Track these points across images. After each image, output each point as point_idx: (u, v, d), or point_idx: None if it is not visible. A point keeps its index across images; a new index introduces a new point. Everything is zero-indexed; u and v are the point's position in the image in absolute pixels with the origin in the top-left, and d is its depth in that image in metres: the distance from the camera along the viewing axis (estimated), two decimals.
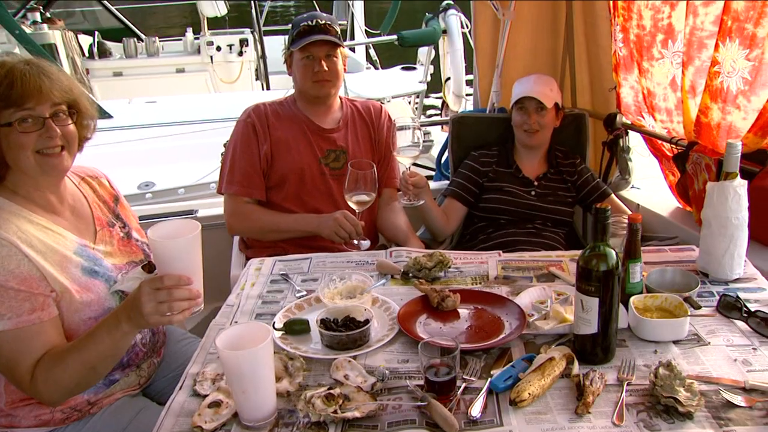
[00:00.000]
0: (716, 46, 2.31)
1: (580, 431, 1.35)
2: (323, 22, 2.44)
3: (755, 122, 2.23)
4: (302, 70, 2.50)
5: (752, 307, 1.73)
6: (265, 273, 2.12)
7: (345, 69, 2.59)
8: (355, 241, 2.30)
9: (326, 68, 2.46)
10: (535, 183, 2.80)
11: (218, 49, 8.71)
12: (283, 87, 7.49)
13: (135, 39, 8.83)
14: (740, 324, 1.70)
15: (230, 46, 8.76)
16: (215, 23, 9.27)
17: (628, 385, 1.48)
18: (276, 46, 9.41)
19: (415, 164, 4.68)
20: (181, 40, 9.09)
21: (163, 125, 5.48)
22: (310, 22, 2.44)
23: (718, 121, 2.41)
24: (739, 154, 1.90)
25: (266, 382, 1.39)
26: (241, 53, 8.74)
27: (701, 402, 1.39)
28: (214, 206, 3.26)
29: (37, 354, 1.55)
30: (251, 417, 1.39)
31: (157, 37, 8.96)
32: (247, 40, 8.75)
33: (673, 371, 1.45)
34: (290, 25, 2.57)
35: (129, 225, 1.90)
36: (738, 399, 1.41)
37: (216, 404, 1.45)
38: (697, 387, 1.42)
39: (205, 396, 1.48)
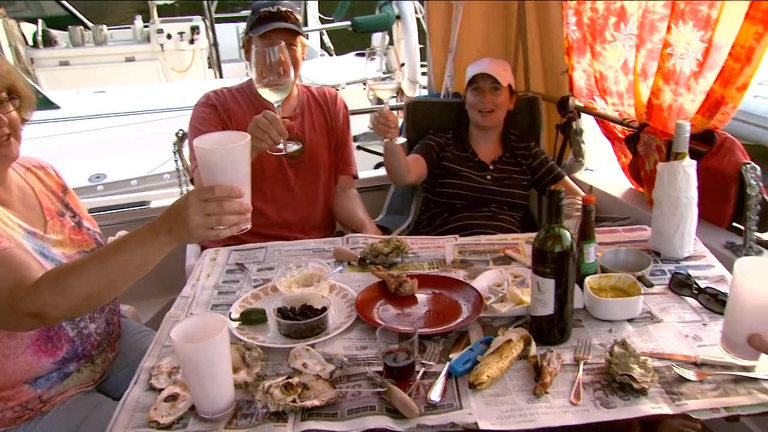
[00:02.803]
0: (668, 29, 2.34)
1: (539, 411, 1.36)
2: (284, 9, 2.39)
3: (703, 103, 2.27)
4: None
5: (702, 284, 1.76)
6: (220, 263, 2.09)
7: (303, 57, 2.55)
8: (280, 144, 2.01)
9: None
10: (491, 167, 2.82)
11: (169, 37, 8.55)
12: (236, 75, 7.40)
13: (81, 27, 8.60)
14: (691, 301, 1.74)
15: (181, 33, 8.61)
16: (165, 11, 9.09)
17: (584, 364, 1.50)
18: (228, 33, 9.30)
19: (366, 149, 4.65)
20: (129, 28, 8.90)
21: (114, 116, 5.36)
22: (270, 9, 2.38)
23: (670, 103, 2.44)
24: (688, 135, 1.93)
25: (223, 373, 1.37)
26: (192, 41, 8.60)
27: (655, 378, 1.42)
28: (169, 197, 3.20)
29: (32, 269, 1.46)
30: (209, 409, 1.37)
31: (104, 26, 8.74)
32: (198, 28, 8.61)
33: (628, 349, 1.48)
34: (249, 11, 2.51)
35: (80, 214, 1.85)
36: (689, 374, 1.44)
37: (172, 398, 1.43)
38: (650, 363, 1.45)
39: (161, 390, 1.46)
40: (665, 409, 1.36)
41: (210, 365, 1.33)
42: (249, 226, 1.39)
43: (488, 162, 2.82)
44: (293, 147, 2.09)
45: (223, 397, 1.38)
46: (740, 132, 3.64)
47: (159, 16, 8.75)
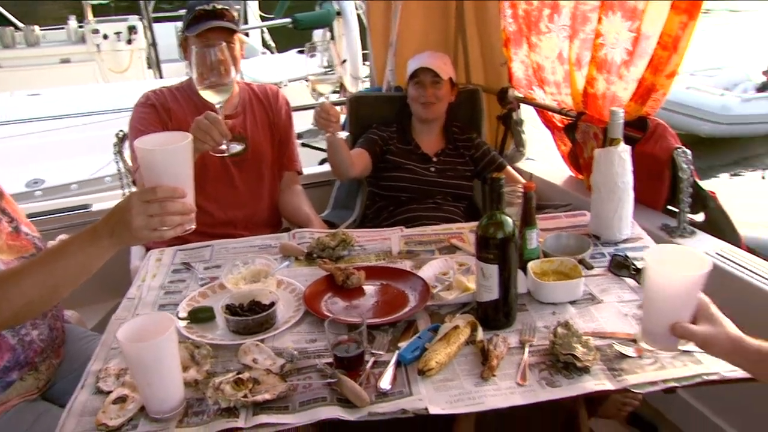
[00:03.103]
0: (599, 19, 2.42)
1: (487, 394, 1.40)
2: (220, 6, 2.37)
3: (635, 91, 2.35)
4: None
5: (639, 264, 1.83)
6: (166, 263, 2.07)
7: (242, 55, 2.54)
8: (223, 146, 2.00)
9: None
10: (434, 159, 2.84)
11: (105, 37, 8.36)
12: (176, 75, 7.27)
13: (12, 28, 8.33)
14: (629, 281, 1.80)
15: (118, 33, 8.43)
16: (100, 11, 8.88)
17: (529, 346, 1.54)
18: (167, 33, 9.13)
19: (310, 146, 4.63)
20: (63, 28, 8.66)
21: (50, 119, 5.22)
22: (206, 7, 2.35)
23: (603, 91, 2.52)
24: (622, 121, 2.00)
25: (172, 372, 1.36)
26: (130, 41, 8.42)
27: (597, 356, 1.47)
28: (111, 200, 3.14)
29: None
30: (159, 409, 1.36)
31: (36, 26, 8.49)
32: (135, 27, 8.43)
33: (571, 330, 1.53)
34: (185, 10, 2.47)
35: (17, 219, 1.81)
36: (629, 350, 1.49)
37: (121, 400, 1.41)
38: (592, 343, 1.50)
39: (110, 392, 1.43)
40: (607, 385, 1.41)
41: (158, 364, 1.33)
42: (194, 227, 1.39)
43: (431, 154, 2.85)
44: (237, 148, 2.07)
45: (173, 396, 1.37)
46: (674, 122, 3.77)
47: (94, 15, 8.53)
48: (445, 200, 2.80)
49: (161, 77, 7.90)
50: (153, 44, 7.98)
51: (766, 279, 2.02)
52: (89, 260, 1.38)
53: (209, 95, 1.92)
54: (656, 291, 1.33)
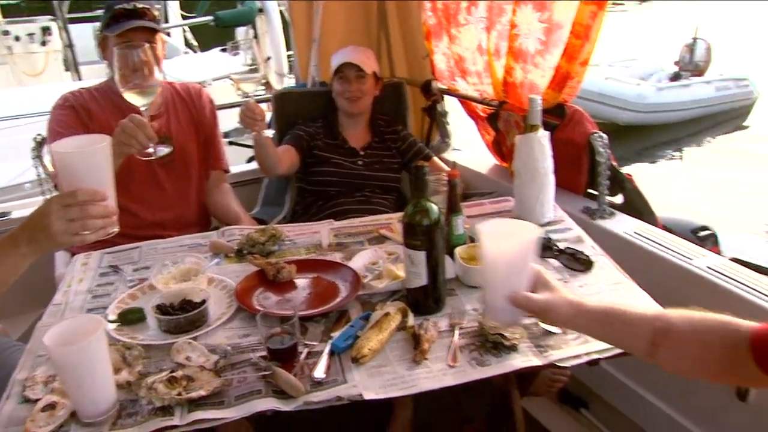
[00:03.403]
0: (513, 11, 2.49)
1: (419, 376, 1.43)
2: (140, 5, 2.32)
3: (552, 79, 2.43)
4: None
5: (562, 245, 1.90)
6: (92, 267, 2.02)
7: (164, 54, 2.49)
8: (150, 149, 1.97)
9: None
10: (362, 153, 2.86)
11: (17, 39, 8.02)
12: (96, 76, 7.06)
13: None
14: (553, 261, 1.87)
15: (31, 35, 8.10)
16: (11, 11, 8.53)
17: (459, 329, 1.58)
18: (84, 33, 8.83)
19: (238, 143, 4.58)
20: None
21: None
22: (126, 6, 2.30)
23: (522, 80, 2.60)
24: (540, 108, 2.07)
25: (103, 374, 1.34)
26: (44, 43, 8.11)
27: (524, 334, 1.53)
28: (32, 206, 3.04)
29: None
30: (91, 413, 1.34)
31: None
32: (49, 28, 8.13)
33: None
34: (104, 8, 2.41)
35: None
36: (554, 327, 1.56)
37: (50, 407, 1.38)
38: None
39: (37, 400, 1.40)
40: (534, 361, 1.47)
41: (88, 367, 1.30)
42: (116, 230, 1.37)
43: (359, 148, 2.87)
44: (164, 151, 2.05)
45: (105, 399, 1.35)
46: (594, 111, 3.91)
47: (4, 16, 8.19)
48: (374, 193, 2.83)
49: (80, 79, 7.64)
50: (69, 45, 7.71)
51: (680, 255, 2.13)
52: (8, 269, 1.35)
53: (133, 98, 1.89)
54: (491, 263, 1.31)
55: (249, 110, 2.19)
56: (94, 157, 1.30)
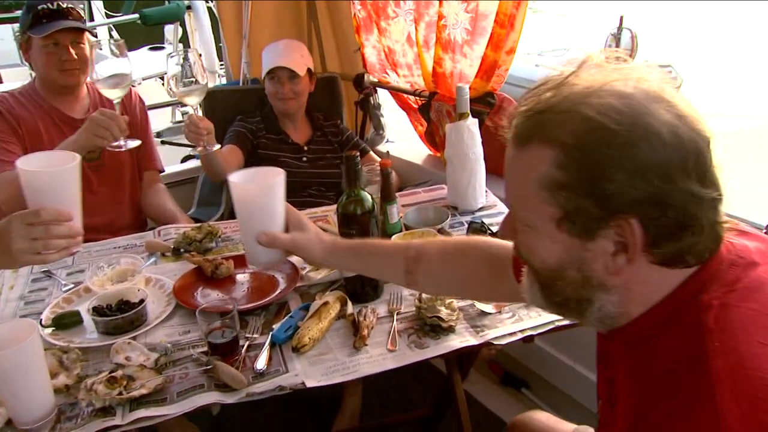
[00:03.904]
0: (440, 2, 2.53)
1: (360, 362, 1.46)
2: (65, 5, 2.27)
3: (479, 68, 2.48)
4: (46, 59, 2.30)
5: (495, 228, 1.96)
6: (23, 273, 1.97)
7: (93, 54, 2.44)
8: (121, 141, 1.98)
9: (75, 56, 2.29)
10: (305, 148, 2.82)
11: None
12: (18, 80, 6.83)
13: None
14: None
15: None
16: None
17: (397, 314, 1.62)
18: (4, 35, 8.51)
19: (172, 143, 4.49)
20: None
21: None
22: (50, 5, 2.24)
23: (451, 70, 2.64)
24: (468, 96, 2.12)
25: (38, 379, 1.32)
26: None
27: (460, 316, 1.57)
28: None
29: None
30: (27, 419, 1.32)
31: None
32: None
33: None
34: (24, 8, 2.34)
35: None
36: (489, 308, 1.61)
37: None
38: (455, 304, 1.60)
39: None
40: (471, 341, 1.52)
41: (22, 372, 1.28)
42: (80, 249, 1.35)
43: (302, 143, 2.82)
44: (135, 143, 2.04)
45: (42, 404, 1.33)
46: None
47: None
48: (319, 191, 2.78)
49: (0, 83, 7.36)
50: None
51: None
52: None
53: (109, 91, 1.89)
54: (241, 209, 1.35)
55: (193, 125, 2.08)
56: (63, 177, 1.28)
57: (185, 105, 2.04)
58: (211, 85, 5.09)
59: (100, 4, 7.75)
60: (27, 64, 2.45)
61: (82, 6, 7.59)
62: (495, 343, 1.52)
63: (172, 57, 1.95)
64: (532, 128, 0.84)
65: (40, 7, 2.25)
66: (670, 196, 0.79)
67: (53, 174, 1.28)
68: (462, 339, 1.52)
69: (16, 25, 8.59)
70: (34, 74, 2.49)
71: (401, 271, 1.33)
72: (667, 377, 0.82)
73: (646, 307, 0.87)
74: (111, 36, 8.38)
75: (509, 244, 1.18)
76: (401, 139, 3.44)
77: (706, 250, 0.85)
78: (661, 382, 0.82)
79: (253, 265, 1.46)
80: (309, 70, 2.81)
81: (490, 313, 1.60)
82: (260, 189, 1.34)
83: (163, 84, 6.27)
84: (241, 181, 1.35)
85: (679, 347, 0.83)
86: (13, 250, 1.24)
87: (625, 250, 0.82)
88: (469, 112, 2.12)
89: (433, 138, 2.96)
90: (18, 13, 9.22)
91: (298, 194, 2.73)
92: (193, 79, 1.95)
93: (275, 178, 1.33)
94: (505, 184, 0.94)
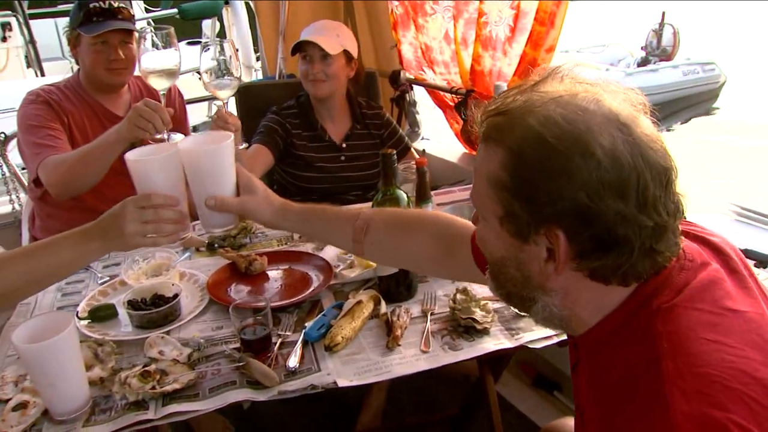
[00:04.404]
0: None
1: (393, 362, 1.45)
2: (116, 4, 2.26)
3: (518, 66, 2.45)
4: (94, 57, 2.29)
5: None
6: None
7: (140, 49, 2.44)
8: (164, 135, 1.92)
9: (122, 56, 2.28)
10: (344, 145, 2.64)
11: None
12: (59, 73, 6.94)
13: None
14: None
15: None
16: None
17: (431, 315, 1.59)
18: (47, 29, 8.67)
19: None
20: None
21: None
22: (101, 4, 2.24)
23: (489, 68, 2.61)
24: None
25: (74, 371, 1.33)
26: (4, 39, 7.94)
27: (495, 318, 1.55)
28: None
29: None
30: (63, 410, 1.33)
31: None
32: (9, 24, 7.96)
33: (469, 295, 1.60)
34: (76, 4, 2.34)
35: None
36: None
37: (21, 406, 1.37)
38: (490, 306, 1.57)
39: (8, 400, 1.39)
40: (506, 344, 1.49)
41: (59, 363, 1.29)
42: (188, 234, 1.38)
43: (339, 140, 2.64)
44: (178, 136, 1.99)
45: (78, 395, 1.34)
46: None
47: None
48: (357, 196, 2.65)
49: (43, 76, 7.50)
50: (31, 42, 7.57)
51: None
52: (76, 260, 1.35)
53: (157, 81, 1.85)
54: (190, 174, 1.36)
55: (221, 119, 1.99)
56: (167, 162, 1.33)
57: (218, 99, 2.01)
58: (246, 80, 5.15)
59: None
60: (72, 58, 2.46)
61: (125, 5, 7.68)
62: (530, 346, 1.49)
63: (206, 50, 1.89)
64: (491, 128, 0.89)
65: (92, 5, 2.24)
66: (597, 214, 0.81)
67: (157, 161, 1.33)
68: (497, 341, 1.50)
69: (60, 20, 8.83)
70: (76, 68, 2.51)
71: (349, 239, 1.37)
72: (624, 383, 0.84)
73: (600, 315, 0.90)
74: (155, 28, 8.47)
75: (470, 225, 1.25)
76: (436, 136, 3.42)
77: (639, 274, 0.87)
78: (619, 388, 0.85)
79: (206, 229, 1.45)
80: (347, 53, 2.56)
81: (525, 316, 1.56)
82: (208, 153, 1.35)
83: (200, 78, 6.30)
84: (190, 146, 1.37)
85: (633, 353, 0.85)
86: (126, 232, 1.29)
87: (553, 259, 0.86)
88: None
89: (469, 136, 2.93)
90: (61, 7, 9.46)
91: (336, 199, 2.51)
92: (227, 72, 1.91)
93: (223, 141, 1.34)
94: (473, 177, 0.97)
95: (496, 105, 0.90)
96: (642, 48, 12.21)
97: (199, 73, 1.98)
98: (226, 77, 1.89)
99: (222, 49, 1.89)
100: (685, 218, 0.88)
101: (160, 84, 1.86)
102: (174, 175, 1.34)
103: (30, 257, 1.35)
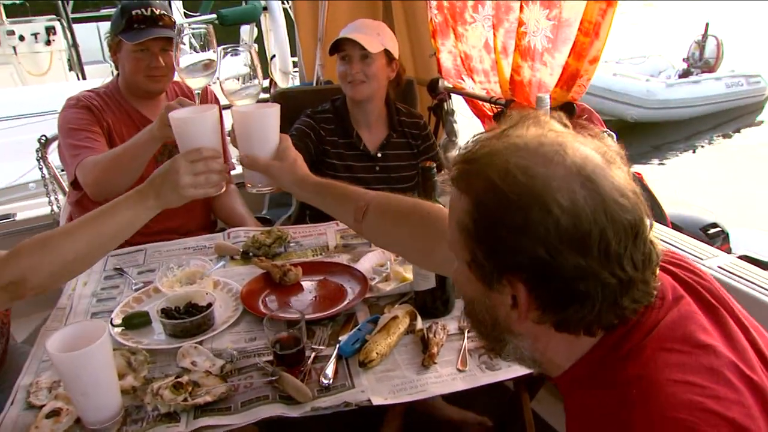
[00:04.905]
0: (521, 8, 2.46)
1: (428, 381, 1.41)
2: (158, 12, 2.27)
3: (560, 77, 2.40)
4: (135, 64, 2.31)
5: None
6: (97, 270, 2.00)
7: (179, 52, 2.43)
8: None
9: (163, 63, 2.29)
10: (379, 155, 2.52)
11: (21, 38, 8.01)
12: (100, 76, 7.05)
13: None
14: None
15: (36, 35, 8.09)
16: (14, 11, 8.53)
17: (468, 332, 1.56)
18: (89, 33, 8.84)
19: None
20: None
21: None
22: (143, 11, 2.25)
23: (530, 78, 2.57)
24: (549, 107, 2.05)
25: (107, 380, 1.33)
26: (49, 42, 8.10)
27: None
28: (36, 207, 3.03)
29: None
30: (95, 419, 1.32)
31: None
32: (54, 28, 8.12)
33: None
34: (117, 9, 2.36)
35: None
36: None
37: (55, 413, 1.36)
38: None
39: (42, 406, 1.39)
40: None
41: (92, 373, 1.29)
42: (225, 188, 1.47)
43: (374, 149, 2.51)
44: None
45: (110, 405, 1.34)
46: (603, 108, 3.87)
47: (8, 16, 8.19)
48: None
49: (84, 78, 7.63)
50: (74, 45, 7.71)
51: (690, 255, 2.10)
52: (134, 220, 1.42)
53: (193, 80, 1.79)
54: (240, 131, 1.44)
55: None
56: (209, 121, 1.42)
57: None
58: (284, 85, 5.16)
59: (180, 4, 7.94)
60: (112, 63, 2.47)
61: (166, 12, 7.78)
62: None
63: (235, 55, 1.58)
64: (460, 174, 0.90)
65: (134, 12, 2.25)
66: (556, 269, 0.81)
67: (199, 120, 1.43)
68: None
69: (102, 24, 8.99)
70: (116, 72, 2.53)
71: (351, 218, 1.40)
72: (599, 428, 0.85)
73: (572, 360, 0.91)
74: (192, 29, 8.58)
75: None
76: None
77: (605, 325, 0.87)
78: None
79: (246, 182, 1.51)
80: (388, 53, 2.43)
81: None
82: (259, 115, 1.44)
83: (216, 81, 6.32)
84: (244, 108, 1.46)
85: (605, 398, 0.85)
86: (180, 185, 1.37)
87: (517, 307, 0.87)
88: None
89: None
90: (103, 11, 9.61)
91: None
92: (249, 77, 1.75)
93: (270, 109, 1.43)
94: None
95: (467, 151, 0.90)
96: (683, 60, 11.99)
97: (238, 79, 1.86)
98: (247, 84, 1.60)
99: (236, 52, 1.60)
100: (655, 271, 0.87)
101: (196, 83, 1.82)
102: (216, 130, 1.44)
103: (94, 222, 1.41)
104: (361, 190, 1.43)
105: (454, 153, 3.16)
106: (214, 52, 1.81)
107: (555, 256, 0.80)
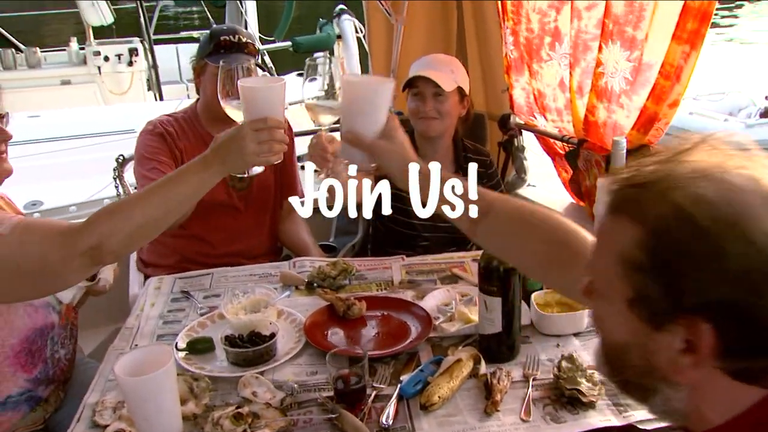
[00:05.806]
0: (600, 48, 2.42)
1: (491, 429, 1.38)
2: (245, 39, 2.35)
3: (637, 120, 2.35)
4: (215, 87, 2.37)
5: None
6: (165, 292, 2.04)
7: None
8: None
9: None
10: None
11: (106, 59, 8.39)
12: (176, 96, 7.29)
13: (13, 50, 8.37)
14: None
15: (119, 56, 8.46)
16: (102, 33, 8.93)
17: (533, 380, 1.52)
18: (168, 55, 9.17)
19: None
20: (65, 50, 8.70)
21: (50, 140, 5.21)
22: (231, 37, 2.33)
23: (605, 120, 2.52)
24: (625, 150, 2.00)
25: (170, 407, 1.34)
26: (130, 63, 8.45)
27: (602, 391, 1.45)
28: None
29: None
30: None
31: (37, 48, 8.53)
32: (136, 50, 8.47)
33: (575, 363, 1.50)
34: (207, 34, 2.44)
35: None
36: None
37: None
38: (597, 377, 1.47)
39: (106, 426, 1.41)
40: (613, 420, 1.39)
41: (156, 399, 1.30)
42: (281, 158, 1.50)
43: None
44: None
45: (171, 430, 1.35)
46: None
47: (95, 38, 8.59)
48: (453, 250, 2.37)
49: (161, 99, 7.91)
50: (154, 66, 8.01)
51: None
52: (200, 186, 1.46)
53: (233, 112, 1.81)
54: (346, 104, 1.37)
55: (320, 145, 1.71)
56: (277, 92, 1.47)
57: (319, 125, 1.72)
58: None
59: (255, 28, 8.15)
60: (189, 84, 2.52)
61: (252, 41, 7.99)
62: (640, 427, 1.38)
63: (312, 80, 1.62)
64: (625, 200, 0.81)
65: (222, 38, 2.33)
66: (754, 310, 0.71)
67: (267, 89, 1.47)
68: (603, 417, 1.40)
69: (180, 45, 9.31)
70: (193, 93, 2.59)
71: (465, 216, 1.29)
72: None
73: (729, 415, 0.79)
74: (263, 60, 8.83)
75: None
76: (543, 184, 3.33)
77: None
78: None
79: (342, 157, 1.45)
80: (460, 90, 2.42)
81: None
82: (369, 87, 1.39)
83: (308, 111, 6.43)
84: (355, 78, 1.47)
85: None
86: (246, 152, 1.41)
87: (693, 351, 0.76)
88: (624, 167, 1.99)
89: (579, 187, 2.83)
90: (183, 33, 9.94)
91: (431, 240, 2.43)
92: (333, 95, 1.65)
93: (384, 83, 1.39)
94: (593, 247, 0.89)
95: (631, 174, 0.81)
96: (766, 97, 11.55)
97: (306, 107, 1.84)
98: (330, 100, 1.65)
99: (329, 66, 1.65)
100: None
101: (237, 115, 1.81)
102: (282, 102, 1.48)
103: (162, 188, 1.46)
104: (479, 188, 1.31)
105: (521, 190, 3.13)
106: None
107: (754, 296, 0.71)
